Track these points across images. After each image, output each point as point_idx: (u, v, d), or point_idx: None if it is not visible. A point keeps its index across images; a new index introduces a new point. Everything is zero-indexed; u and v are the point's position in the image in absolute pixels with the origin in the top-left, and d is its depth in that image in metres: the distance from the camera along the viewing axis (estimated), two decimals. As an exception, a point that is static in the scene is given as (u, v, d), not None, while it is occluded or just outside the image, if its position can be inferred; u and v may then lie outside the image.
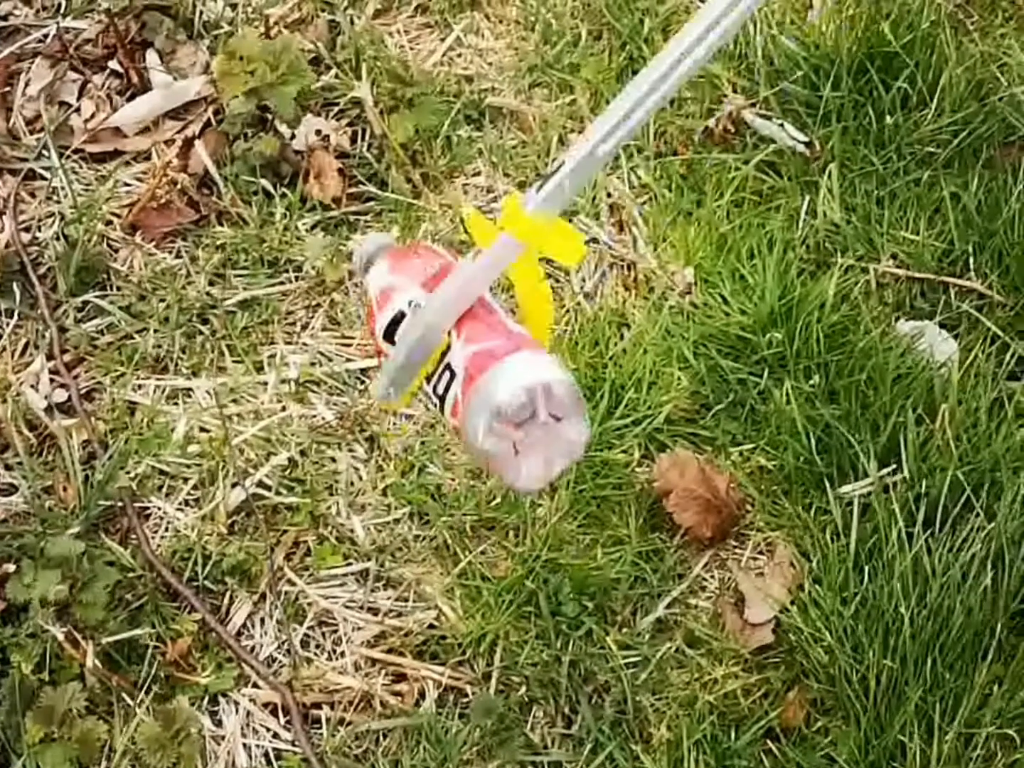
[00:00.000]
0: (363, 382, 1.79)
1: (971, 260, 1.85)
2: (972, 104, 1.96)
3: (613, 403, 1.76)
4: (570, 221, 1.90)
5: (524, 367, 1.15)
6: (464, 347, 1.16)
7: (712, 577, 1.68)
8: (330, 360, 1.80)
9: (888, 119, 1.94)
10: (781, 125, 1.98)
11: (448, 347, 1.16)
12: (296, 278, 1.86)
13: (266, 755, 1.54)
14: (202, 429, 1.73)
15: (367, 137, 1.96)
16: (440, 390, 1.18)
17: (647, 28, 2.06)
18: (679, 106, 2.01)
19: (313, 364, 1.80)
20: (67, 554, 1.55)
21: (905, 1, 2.03)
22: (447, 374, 1.17)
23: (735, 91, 2.02)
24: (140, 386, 1.77)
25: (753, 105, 2.00)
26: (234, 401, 1.75)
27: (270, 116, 1.93)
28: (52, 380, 1.75)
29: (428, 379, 1.19)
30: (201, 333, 1.80)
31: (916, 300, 1.85)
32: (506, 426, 1.12)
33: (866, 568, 1.60)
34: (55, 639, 1.49)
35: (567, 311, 1.86)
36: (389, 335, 1.22)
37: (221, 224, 1.89)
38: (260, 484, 1.68)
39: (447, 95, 2.00)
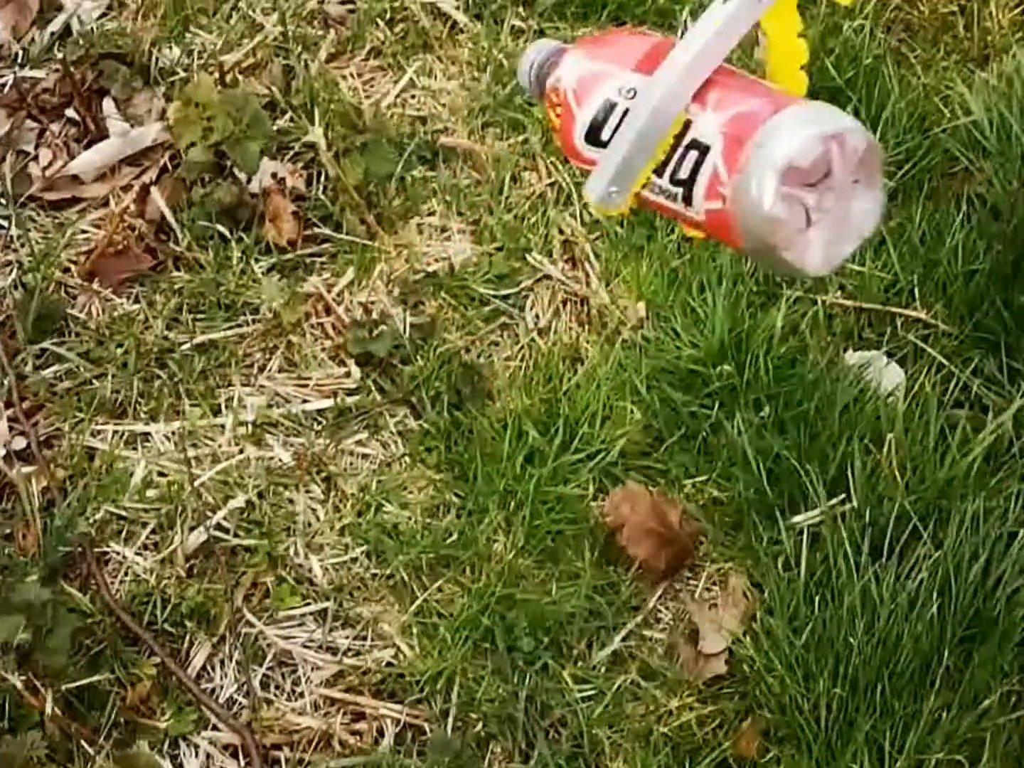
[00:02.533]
0: (319, 423, 1.81)
1: (916, 290, 1.88)
2: (915, 136, 1.99)
3: (567, 438, 1.79)
4: (528, 253, 1.95)
5: (813, 115, 0.97)
6: (716, 115, 0.99)
7: (666, 609, 1.71)
8: (287, 401, 1.83)
9: (834, 152, 1.97)
10: (729, 160, 2.01)
11: (686, 125, 0.99)
12: (253, 321, 1.89)
13: (227, 796, 1.56)
14: (160, 473, 1.75)
15: (322, 180, 1.99)
16: (683, 174, 1.00)
17: (597, 66, 2.08)
18: (630, 143, 2.04)
19: (270, 406, 1.82)
20: (29, 601, 1.56)
21: (848, 36, 2.06)
22: (692, 153, 0.99)
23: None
24: (99, 432, 1.79)
25: (702, 141, 2.03)
26: (192, 445, 1.77)
27: (228, 162, 1.95)
28: (11, 428, 1.77)
29: (658, 171, 1.02)
30: (159, 377, 1.82)
31: (863, 331, 1.89)
32: (796, 187, 0.94)
33: (816, 598, 1.63)
34: (15, 688, 1.51)
35: (521, 347, 1.89)
36: (594, 135, 1.05)
37: (178, 269, 1.91)
38: (218, 527, 1.70)
39: (401, 136, 2.03)
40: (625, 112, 1.02)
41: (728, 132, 0.97)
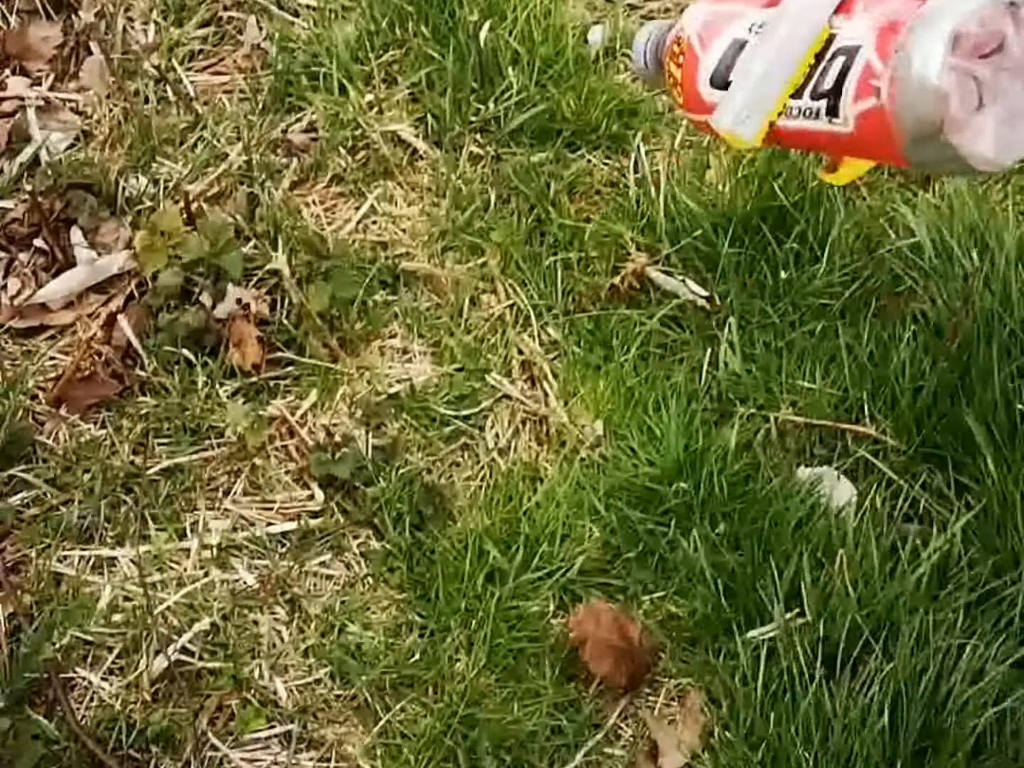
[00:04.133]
0: (284, 545, 1.84)
1: (865, 407, 1.93)
2: (862, 257, 2.05)
3: (528, 556, 1.82)
4: (487, 373, 1.99)
5: None
6: (866, 16, 0.93)
7: (627, 725, 1.73)
8: (251, 524, 1.86)
9: (783, 273, 2.04)
10: (683, 281, 2.07)
11: (829, 40, 0.94)
12: (218, 444, 1.92)
13: None
14: (126, 598, 1.77)
15: (286, 305, 2.03)
16: (827, 85, 0.95)
17: (553, 191, 2.15)
18: (586, 264, 2.10)
19: (235, 529, 1.85)
20: (-6, 729, 1.59)
21: (795, 160, 2.13)
22: (838, 60, 0.94)
23: (639, 249, 2.10)
24: (65, 557, 1.81)
25: (656, 262, 2.09)
26: (158, 569, 1.80)
27: (194, 288, 2.00)
28: (-21, 556, 1.80)
29: (797, 94, 0.97)
30: (125, 503, 1.85)
31: (815, 447, 1.93)
32: (966, 59, 0.85)
33: (772, 713, 1.66)
34: (-21, 817, 1.52)
35: (482, 467, 1.93)
36: (720, 77, 1.01)
37: (144, 394, 1.95)
38: (183, 650, 1.73)
39: (362, 261, 2.08)
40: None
41: (881, 26, 0.89)
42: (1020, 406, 1.83)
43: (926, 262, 2.02)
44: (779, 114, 0.95)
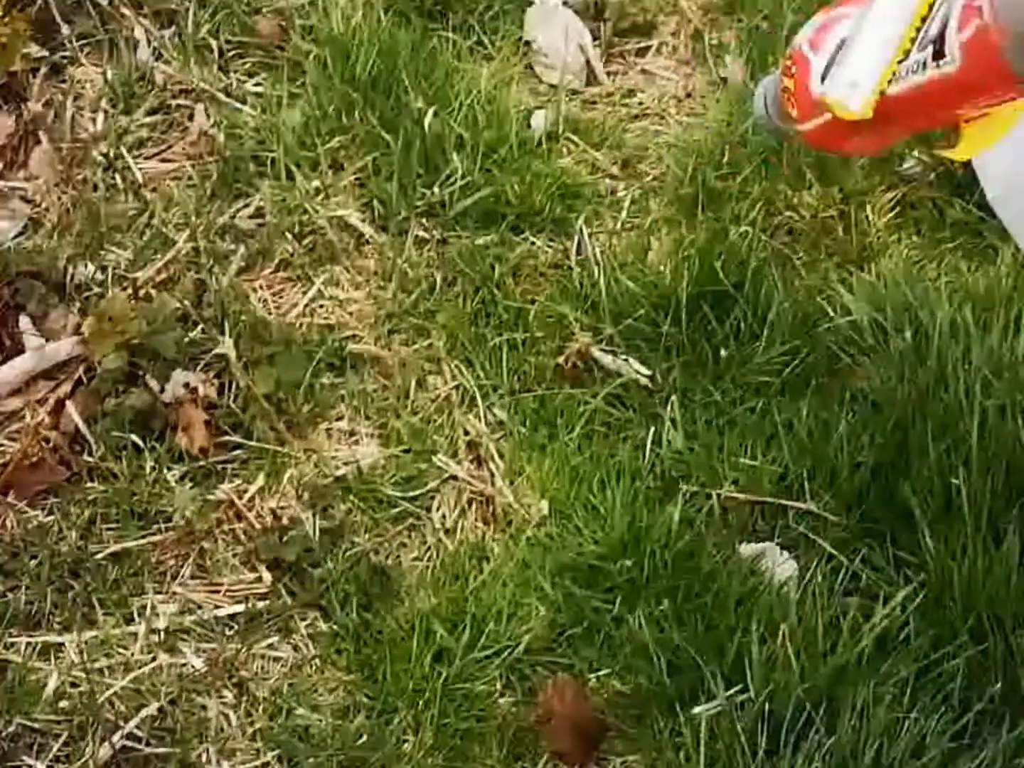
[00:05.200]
0: (231, 628, 1.85)
1: (806, 483, 1.96)
2: (800, 335, 2.09)
3: (475, 636, 1.84)
4: (434, 454, 2.02)
5: None
6: None
7: (574, 803, 1.74)
8: (199, 608, 1.87)
9: (724, 352, 2.07)
10: (626, 360, 2.10)
11: (930, 6, 0.95)
12: (166, 528, 1.93)
13: None
14: (73, 684, 1.77)
15: (233, 388, 2.05)
16: (932, 33, 0.95)
17: (498, 273, 2.19)
18: (531, 345, 2.13)
19: (182, 612, 1.86)
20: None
21: (735, 241, 2.18)
22: (939, 14, 0.95)
23: (583, 329, 2.14)
24: (12, 644, 1.81)
25: (600, 342, 2.13)
26: (105, 654, 1.80)
27: (141, 372, 2.02)
28: (-76, 643, 1.80)
29: (904, 59, 0.98)
30: (72, 588, 1.86)
31: (757, 522, 1.96)
32: None
33: (716, 789, 1.67)
34: None
35: (428, 547, 1.95)
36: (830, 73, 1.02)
37: (92, 480, 1.96)
38: (130, 736, 1.72)
39: (309, 344, 2.10)
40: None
41: None
42: (955, 480, 1.87)
43: (863, 340, 2.06)
44: (888, 81, 0.96)
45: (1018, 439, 1.90)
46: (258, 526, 1.93)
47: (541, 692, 1.79)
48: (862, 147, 1.12)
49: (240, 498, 1.96)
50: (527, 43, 2.50)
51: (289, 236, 2.23)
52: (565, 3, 2.55)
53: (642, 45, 2.55)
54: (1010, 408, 1.93)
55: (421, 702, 1.77)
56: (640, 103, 2.48)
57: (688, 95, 2.48)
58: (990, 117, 1.00)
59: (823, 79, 1.01)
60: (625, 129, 2.42)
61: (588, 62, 2.49)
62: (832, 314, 2.11)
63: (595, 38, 2.53)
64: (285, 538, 1.90)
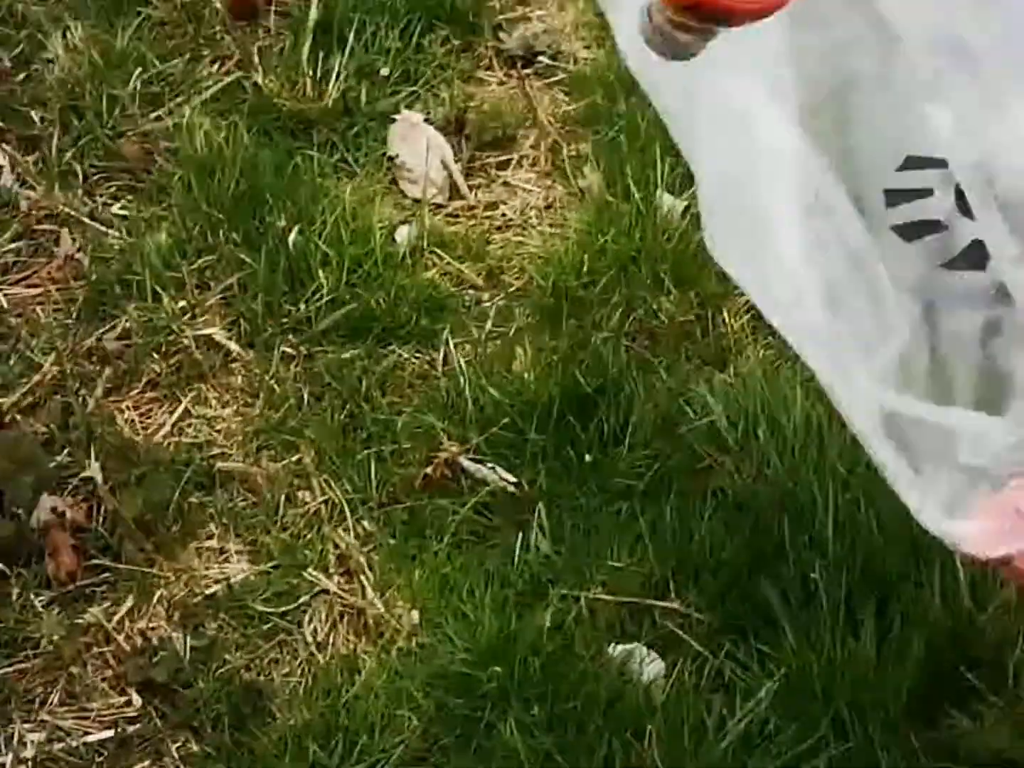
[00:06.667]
0: (101, 754, 1.84)
1: (671, 582, 2.00)
2: (662, 438, 2.14)
3: (347, 750, 1.84)
4: (304, 569, 2.02)
5: None
6: None
7: None
8: (68, 735, 1.85)
9: (588, 457, 2.11)
10: (493, 468, 2.13)
11: None
12: (33, 655, 1.92)
13: None
14: (-64, 819, 1.75)
15: (101, 511, 2.05)
16: None
17: (365, 386, 2.22)
18: (399, 456, 2.16)
19: (51, 740, 1.84)
20: None
21: (596, 347, 2.23)
22: None
23: (450, 439, 2.17)
24: None
25: (467, 451, 2.16)
26: (-30, 787, 1.78)
27: (6, 501, 2.01)
28: None
29: None
30: (-64, 723, 1.84)
31: (625, 623, 1.99)
32: None
33: None
34: None
35: (300, 663, 1.95)
36: None
37: (-42, 618, 1.95)
38: (-4, 870, 1.70)
39: (177, 464, 2.11)
40: None
41: None
42: (814, 575, 1.92)
43: (723, 440, 2.11)
44: None
45: (871, 531, 1.95)
46: (127, 648, 1.92)
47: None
48: None
49: (109, 621, 1.95)
50: (391, 158, 2.55)
51: (156, 356, 2.24)
52: (427, 120, 2.61)
53: (503, 158, 2.61)
54: (864, 501, 1.98)
55: (295, 820, 1.77)
56: (503, 215, 2.53)
57: (548, 206, 2.54)
58: None
59: None
60: (488, 241, 2.47)
61: (451, 176, 2.55)
62: (693, 415, 2.16)
63: (457, 153, 2.58)
64: (155, 659, 1.90)
